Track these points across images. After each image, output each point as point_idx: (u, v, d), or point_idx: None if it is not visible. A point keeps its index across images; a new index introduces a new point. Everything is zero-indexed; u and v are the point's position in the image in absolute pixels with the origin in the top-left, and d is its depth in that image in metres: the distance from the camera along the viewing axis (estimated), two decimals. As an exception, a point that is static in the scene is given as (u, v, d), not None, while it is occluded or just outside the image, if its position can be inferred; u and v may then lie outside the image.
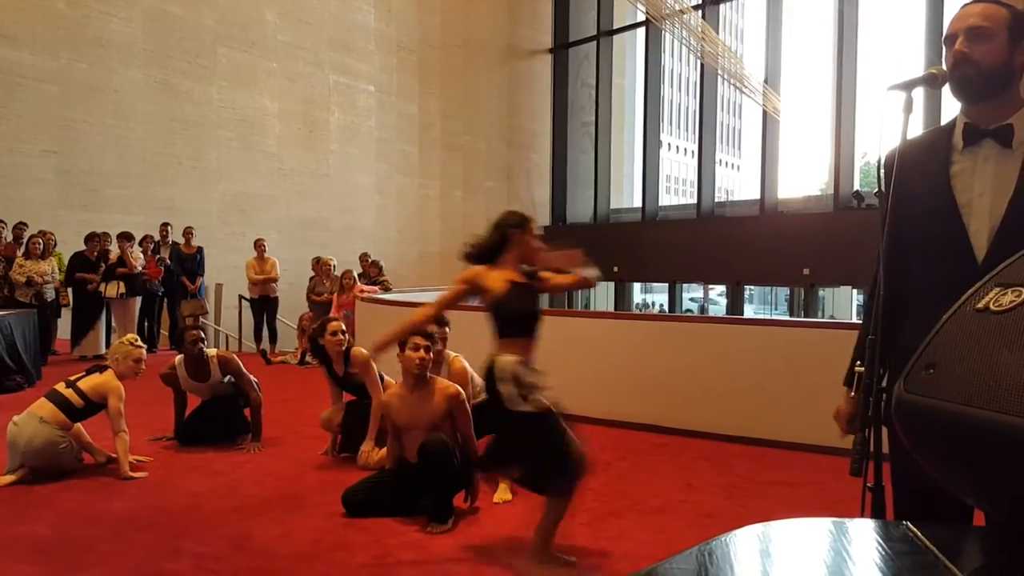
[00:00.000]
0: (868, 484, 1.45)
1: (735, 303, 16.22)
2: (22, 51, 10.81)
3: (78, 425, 4.50)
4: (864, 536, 0.87)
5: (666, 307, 19.85)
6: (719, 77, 15.64)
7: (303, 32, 14.16)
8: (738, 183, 56.78)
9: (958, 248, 1.67)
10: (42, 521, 3.62)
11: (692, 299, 30.50)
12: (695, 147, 17.41)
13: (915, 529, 0.85)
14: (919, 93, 1.69)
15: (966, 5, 1.71)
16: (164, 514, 3.77)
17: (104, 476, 4.42)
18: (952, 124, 1.77)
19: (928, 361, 0.84)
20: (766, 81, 14.75)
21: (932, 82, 1.63)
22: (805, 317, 14.48)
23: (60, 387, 4.48)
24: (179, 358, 5.22)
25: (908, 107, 1.57)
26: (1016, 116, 1.67)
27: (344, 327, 4.92)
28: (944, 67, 1.68)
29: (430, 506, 3.64)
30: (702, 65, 15.97)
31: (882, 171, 1.73)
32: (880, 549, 0.82)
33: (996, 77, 1.66)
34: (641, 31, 17.46)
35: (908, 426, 0.86)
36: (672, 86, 55.23)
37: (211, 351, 5.24)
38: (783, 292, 30.69)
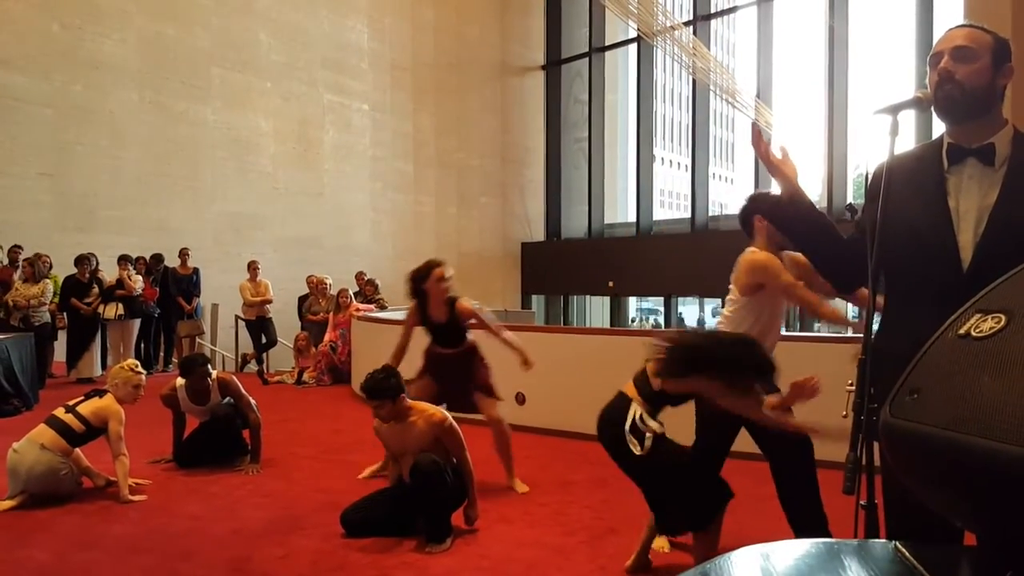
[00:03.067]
0: (861, 502, 1.48)
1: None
2: (16, 74, 10.85)
3: (77, 450, 4.50)
4: (854, 557, 0.89)
5: (661, 322, 19.86)
6: (711, 92, 15.77)
7: (297, 52, 14.24)
8: (732, 196, 56.99)
9: (947, 258, 1.71)
10: (42, 546, 3.62)
11: (680, 316, 30.51)
12: (688, 161, 17.50)
13: (904, 549, 0.88)
14: (908, 113, 1.73)
15: (952, 29, 1.76)
16: (163, 537, 3.77)
17: (103, 500, 4.42)
18: (939, 142, 1.82)
19: (912, 386, 0.87)
20: (758, 95, 14.87)
21: (918, 105, 1.68)
22: (800, 330, 14.51)
23: (59, 412, 4.48)
24: (180, 381, 5.21)
25: (895, 130, 1.61)
26: (998, 136, 1.73)
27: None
28: (928, 88, 1.73)
29: (427, 526, 3.65)
30: (694, 80, 16.10)
31: (870, 185, 1.78)
32: (870, 571, 0.84)
33: (979, 97, 1.71)
34: (633, 47, 17.60)
35: (894, 450, 0.89)
36: (665, 100, 55.56)
37: (212, 373, 5.25)
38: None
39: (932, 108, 1.74)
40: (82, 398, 4.60)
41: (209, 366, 5.26)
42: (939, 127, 1.85)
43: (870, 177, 1.80)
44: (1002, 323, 0.83)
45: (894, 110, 1.62)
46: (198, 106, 12.86)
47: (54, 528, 3.90)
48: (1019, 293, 0.86)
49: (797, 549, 0.97)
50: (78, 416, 4.43)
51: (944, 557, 0.88)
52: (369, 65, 15.50)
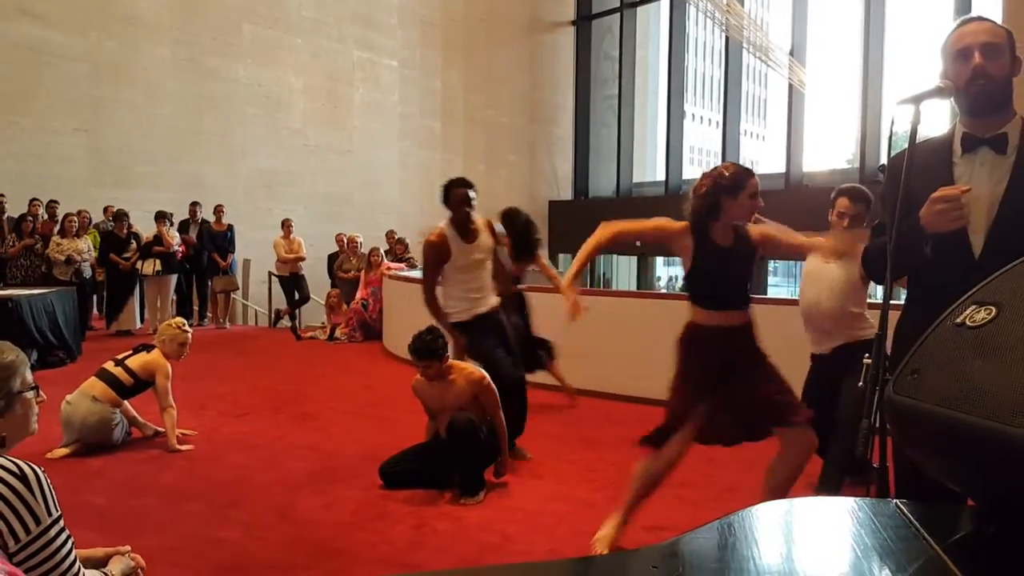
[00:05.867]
0: (874, 465, 1.60)
1: (757, 277, 16.21)
2: (52, 30, 11.01)
3: (126, 402, 4.74)
4: (859, 513, 1.01)
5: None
6: (744, 49, 15.53)
7: (327, 7, 14.23)
8: (763, 154, 56.16)
9: (958, 244, 1.81)
10: (99, 492, 3.86)
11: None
12: (720, 117, 17.30)
13: (903, 508, 1.00)
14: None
15: (970, 21, 1.83)
16: (211, 486, 3.99)
17: (153, 449, 4.66)
18: (951, 133, 1.90)
19: (914, 367, 0.98)
20: (792, 53, 14.63)
21: (940, 94, 1.76)
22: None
23: (109, 366, 4.70)
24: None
25: (917, 118, 1.69)
26: (1010, 125, 1.81)
27: None
28: (948, 79, 1.80)
29: (461, 480, 3.84)
30: (727, 35, 15.86)
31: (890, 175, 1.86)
32: (872, 524, 0.96)
33: (1004, 90, 1.80)
34: (665, 2, 17.32)
35: (896, 422, 1.00)
36: (697, 55, 54.54)
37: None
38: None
39: (952, 98, 1.81)
40: (130, 352, 4.82)
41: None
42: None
43: (887, 166, 1.89)
44: (993, 314, 0.94)
45: (917, 100, 1.70)
46: (229, 63, 12.96)
47: (108, 476, 4.15)
48: (1009, 288, 0.96)
49: (812, 505, 1.10)
50: (127, 369, 4.65)
51: (937, 515, 1.00)
52: (398, 21, 15.46)
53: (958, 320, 0.99)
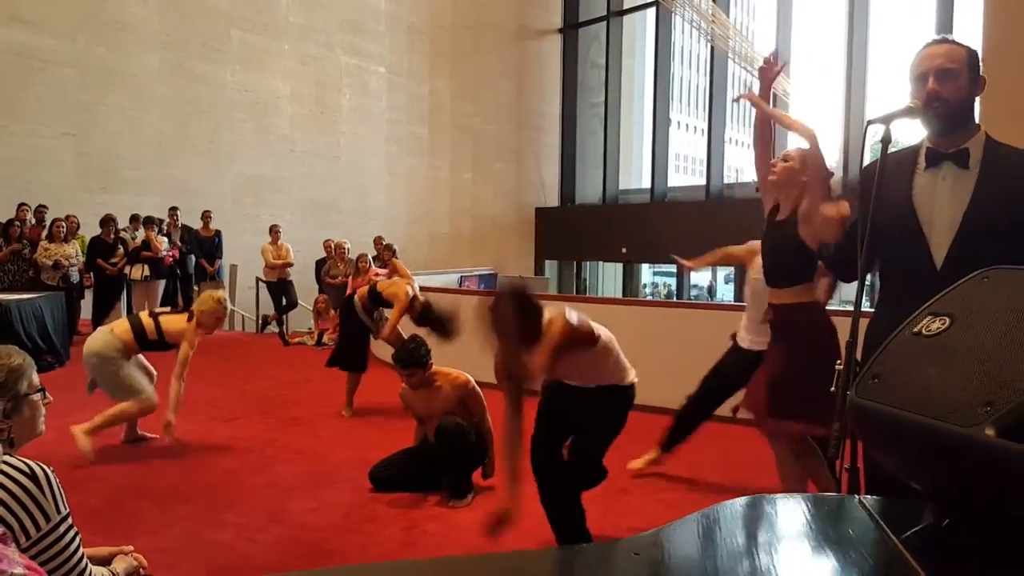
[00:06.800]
0: (845, 465, 1.69)
1: (742, 285, 16.32)
2: (41, 35, 11.00)
3: (141, 354, 4.77)
4: (823, 508, 1.11)
5: (674, 289, 20.00)
6: (729, 58, 15.73)
7: (315, 14, 14.29)
8: (748, 161, 56.47)
9: (920, 255, 1.91)
10: (93, 494, 3.91)
11: (696, 287, 30.57)
12: (705, 125, 17.46)
13: (865, 502, 1.09)
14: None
15: (930, 45, 1.94)
16: (203, 488, 4.05)
17: (147, 455, 4.70)
18: (918, 146, 2.01)
19: (875, 372, 1.08)
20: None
21: (910, 114, 1.86)
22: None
23: (143, 315, 4.74)
24: None
25: (887, 137, 1.79)
26: (972, 141, 1.93)
27: None
28: (915, 100, 1.91)
29: (450, 483, 3.91)
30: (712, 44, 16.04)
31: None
32: (835, 521, 1.06)
33: (961, 111, 1.90)
34: (651, 10, 17.48)
35: (858, 424, 1.09)
36: (683, 63, 54.87)
37: None
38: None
39: (920, 117, 1.92)
40: (168, 309, 4.83)
41: None
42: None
43: (859, 179, 1.99)
44: (946, 324, 1.04)
45: (887, 119, 1.80)
46: (217, 68, 12.99)
47: (102, 478, 4.19)
48: (962, 300, 1.06)
49: (783, 501, 1.19)
50: (158, 325, 4.66)
51: (895, 509, 1.09)
52: (386, 28, 15.53)
53: (916, 329, 1.08)
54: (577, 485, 3.22)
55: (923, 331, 1.06)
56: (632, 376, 3.19)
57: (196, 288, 10.64)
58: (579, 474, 3.21)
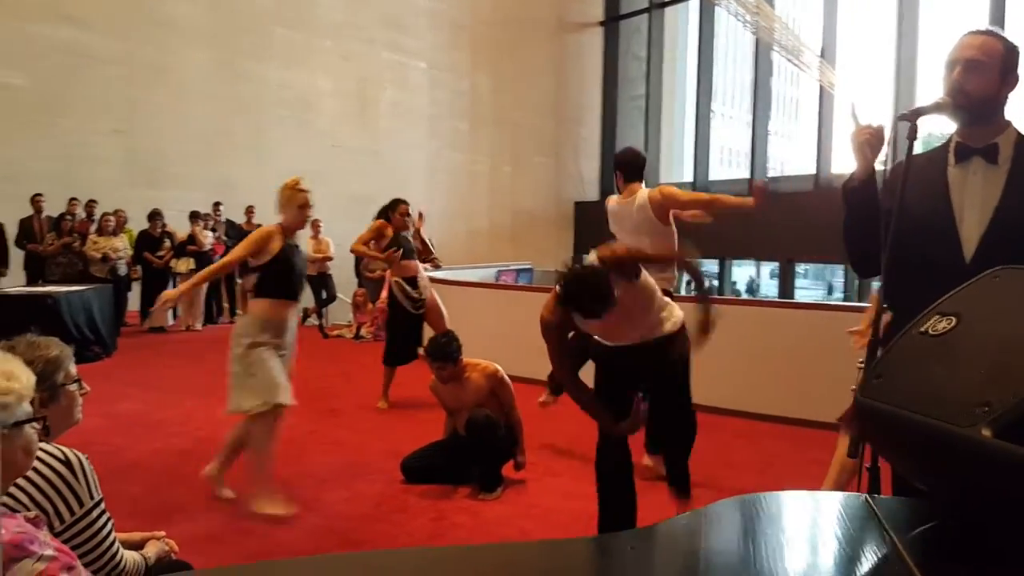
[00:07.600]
0: (865, 464, 1.67)
1: (785, 281, 16.02)
2: (92, 33, 11.29)
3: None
4: (829, 506, 1.10)
5: (716, 283, 19.75)
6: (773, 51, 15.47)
7: (356, 10, 14.41)
8: (793, 154, 55.50)
9: (950, 249, 1.87)
10: (135, 482, 4.03)
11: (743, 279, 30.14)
12: (749, 117, 17.18)
13: (870, 501, 1.08)
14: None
15: (970, 34, 1.89)
16: (241, 478, 4.13)
17: (188, 445, 4.81)
18: (948, 142, 1.97)
19: (879, 372, 1.07)
20: (822, 54, 14.54)
21: (939, 110, 1.83)
22: (857, 296, 14.38)
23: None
24: None
25: (913, 134, 1.76)
26: (1001, 137, 1.88)
27: None
28: (944, 98, 1.87)
29: (480, 475, 3.94)
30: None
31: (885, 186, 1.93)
32: (839, 517, 1.05)
33: (985, 106, 1.86)
34: (695, 2, 17.27)
35: (863, 423, 1.08)
36: (726, 55, 54.04)
37: None
38: (838, 268, 30.17)
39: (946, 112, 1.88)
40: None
41: None
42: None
43: (887, 175, 1.96)
44: (952, 324, 1.02)
45: (916, 115, 1.77)
46: (261, 65, 13.18)
47: (145, 467, 4.32)
48: (969, 301, 1.04)
49: (788, 499, 1.18)
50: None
51: (900, 507, 1.08)
52: (427, 23, 15.60)
53: (922, 328, 1.07)
54: (689, 438, 3.28)
55: (929, 330, 1.05)
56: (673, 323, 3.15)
57: (239, 281, 10.85)
58: (685, 429, 3.27)
